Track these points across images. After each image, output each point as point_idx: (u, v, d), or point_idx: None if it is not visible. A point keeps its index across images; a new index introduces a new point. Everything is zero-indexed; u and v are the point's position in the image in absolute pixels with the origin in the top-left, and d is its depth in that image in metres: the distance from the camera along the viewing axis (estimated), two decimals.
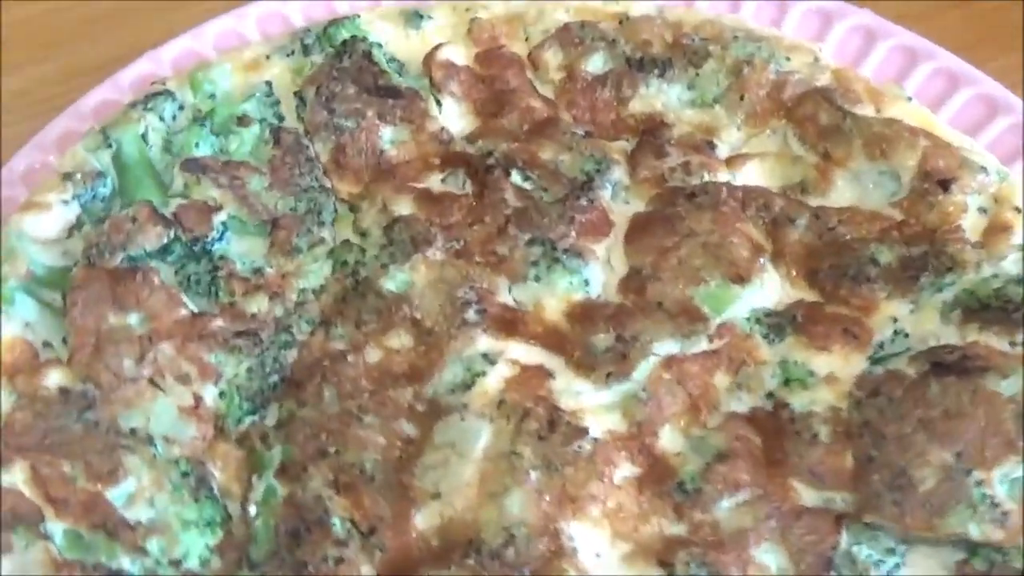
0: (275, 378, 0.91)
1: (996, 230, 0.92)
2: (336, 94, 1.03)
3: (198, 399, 0.89)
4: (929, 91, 1.04)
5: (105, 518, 0.82)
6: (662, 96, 1.04)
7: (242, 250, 0.97)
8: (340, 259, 0.97)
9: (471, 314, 0.91)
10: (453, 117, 1.05)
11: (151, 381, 0.88)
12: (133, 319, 0.90)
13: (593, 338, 0.90)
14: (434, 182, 1.01)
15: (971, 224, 0.94)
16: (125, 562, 0.80)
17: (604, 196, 0.98)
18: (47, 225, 0.95)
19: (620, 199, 0.99)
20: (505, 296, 0.93)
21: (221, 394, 0.90)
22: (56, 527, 0.81)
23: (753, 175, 1.00)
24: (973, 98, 1.03)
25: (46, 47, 1.24)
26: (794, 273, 0.94)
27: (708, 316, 0.91)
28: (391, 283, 0.94)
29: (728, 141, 1.02)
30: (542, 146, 1.01)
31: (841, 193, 0.98)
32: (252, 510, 0.85)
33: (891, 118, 0.98)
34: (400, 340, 0.92)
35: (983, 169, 0.94)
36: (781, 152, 1.00)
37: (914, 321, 0.89)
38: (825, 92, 1.00)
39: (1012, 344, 0.86)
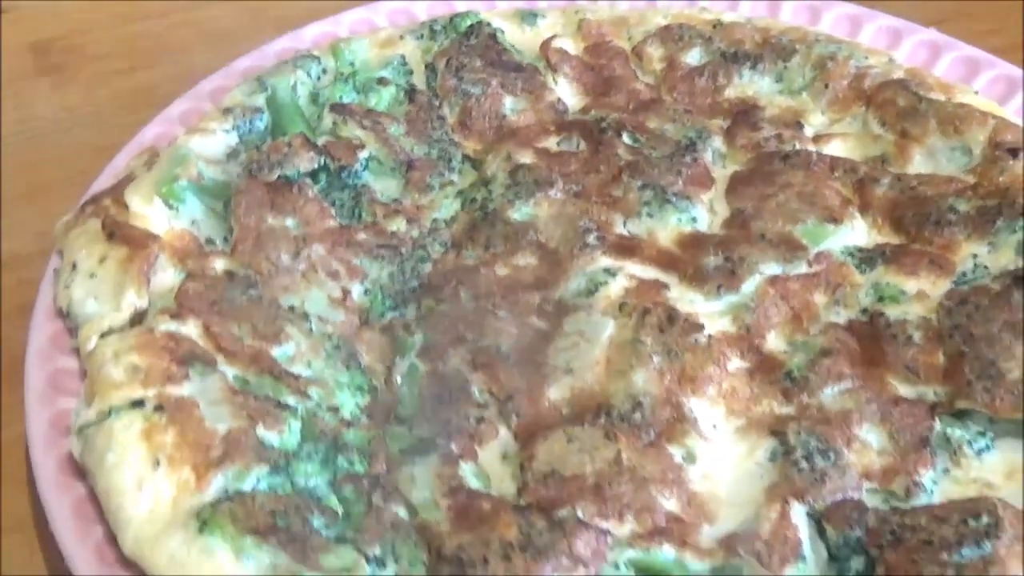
0: (414, 283, 1.00)
1: None
2: (464, 65, 1.15)
3: (346, 292, 0.98)
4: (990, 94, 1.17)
5: (271, 366, 0.89)
6: (754, 85, 1.17)
7: (380, 187, 1.07)
8: (469, 197, 1.07)
9: (591, 239, 1.01)
10: (566, 95, 1.17)
11: (304, 275, 0.98)
12: (289, 222, 1.00)
13: (703, 260, 1.00)
14: (551, 143, 1.12)
15: None
16: (290, 400, 0.87)
17: (706, 158, 1.10)
18: (211, 147, 1.06)
19: (719, 163, 1.10)
20: (620, 228, 1.03)
21: (366, 291, 0.99)
22: (227, 370, 0.88)
23: (838, 151, 1.11)
24: None
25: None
26: (880, 222, 1.04)
27: (806, 246, 1.01)
28: (516, 214, 1.04)
29: (814, 124, 1.13)
30: (648, 118, 1.13)
31: (918, 167, 1.09)
32: (397, 379, 0.93)
33: (962, 103, 1.11)
34: (526, 260, 1.02)
35: None
36: (863, 133, 1.12)
37: (992, 258, 0.99)
38: (902, 81, 1.13)
39: None
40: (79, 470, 0.83)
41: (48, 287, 0.96)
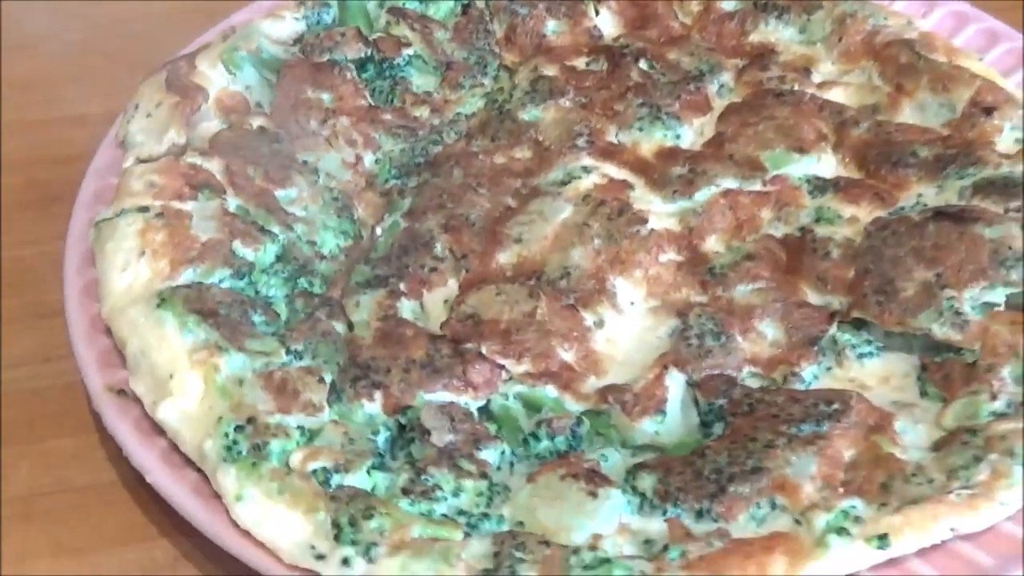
0: (420, 160, 1.16)
1: None
2: None
3: (359, 158, 1.15)
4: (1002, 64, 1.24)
5: (269, 202, 1.07)
6: (777, 33, 1.27)
7: (418, 82, 1.24)
8: (492, 98, 1.23)
9: (581, 142, 1.15)
10: (606, 25, 1.31)
11: (326, 139, 1.15)
12: (324, 96, 1.18)
13: (671, 169, 1.12)
14: (580, 63, 1.26)
15: (1005, 147, 1.12)
16: (275, 228, 1.05)
17: (711, 89, 1.21)
18: (278, 30, 1.24)
19: (724, 96, 1.22)
20: (611, 136, 1.17)
21: (376, 160, 1.15)
22: (232, 200, 1.06)
23: (838, 97, 1.20)
24: None
25: None
26: (847, 159, 1.14)
27: (767, 168, 1.12)
28: (525, 115, 1.19)
29: (822, 72, 1.23)
30: (670, 50, 1.26)
31: (906, 118, 1.17)
32: (378, 231, 1.10)
33: (959, 64, 1.19)
34: (522, 152, 1.16)
35: None
36: (865, 84, 1.22)
37: (936, 199, 1.08)
38: (908, 41, 1.22)
39: (1005, 210, 1.04)
40: None
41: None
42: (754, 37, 1.28)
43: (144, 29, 1.47)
